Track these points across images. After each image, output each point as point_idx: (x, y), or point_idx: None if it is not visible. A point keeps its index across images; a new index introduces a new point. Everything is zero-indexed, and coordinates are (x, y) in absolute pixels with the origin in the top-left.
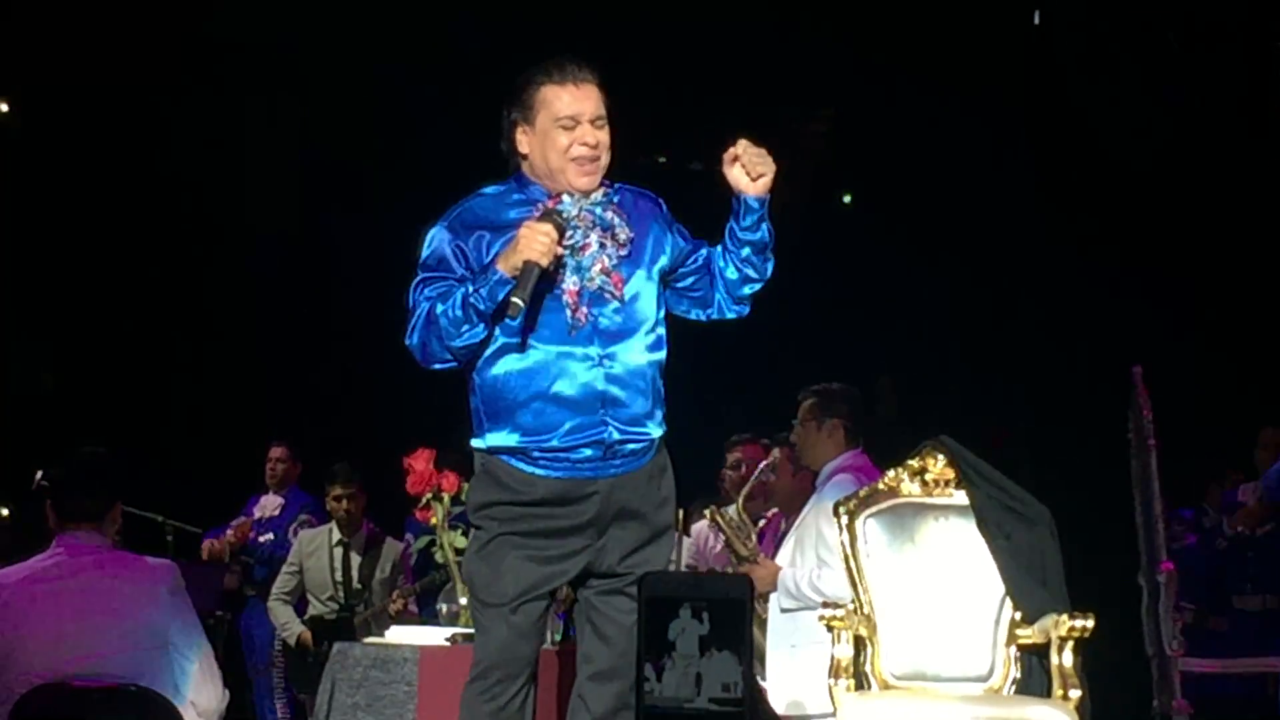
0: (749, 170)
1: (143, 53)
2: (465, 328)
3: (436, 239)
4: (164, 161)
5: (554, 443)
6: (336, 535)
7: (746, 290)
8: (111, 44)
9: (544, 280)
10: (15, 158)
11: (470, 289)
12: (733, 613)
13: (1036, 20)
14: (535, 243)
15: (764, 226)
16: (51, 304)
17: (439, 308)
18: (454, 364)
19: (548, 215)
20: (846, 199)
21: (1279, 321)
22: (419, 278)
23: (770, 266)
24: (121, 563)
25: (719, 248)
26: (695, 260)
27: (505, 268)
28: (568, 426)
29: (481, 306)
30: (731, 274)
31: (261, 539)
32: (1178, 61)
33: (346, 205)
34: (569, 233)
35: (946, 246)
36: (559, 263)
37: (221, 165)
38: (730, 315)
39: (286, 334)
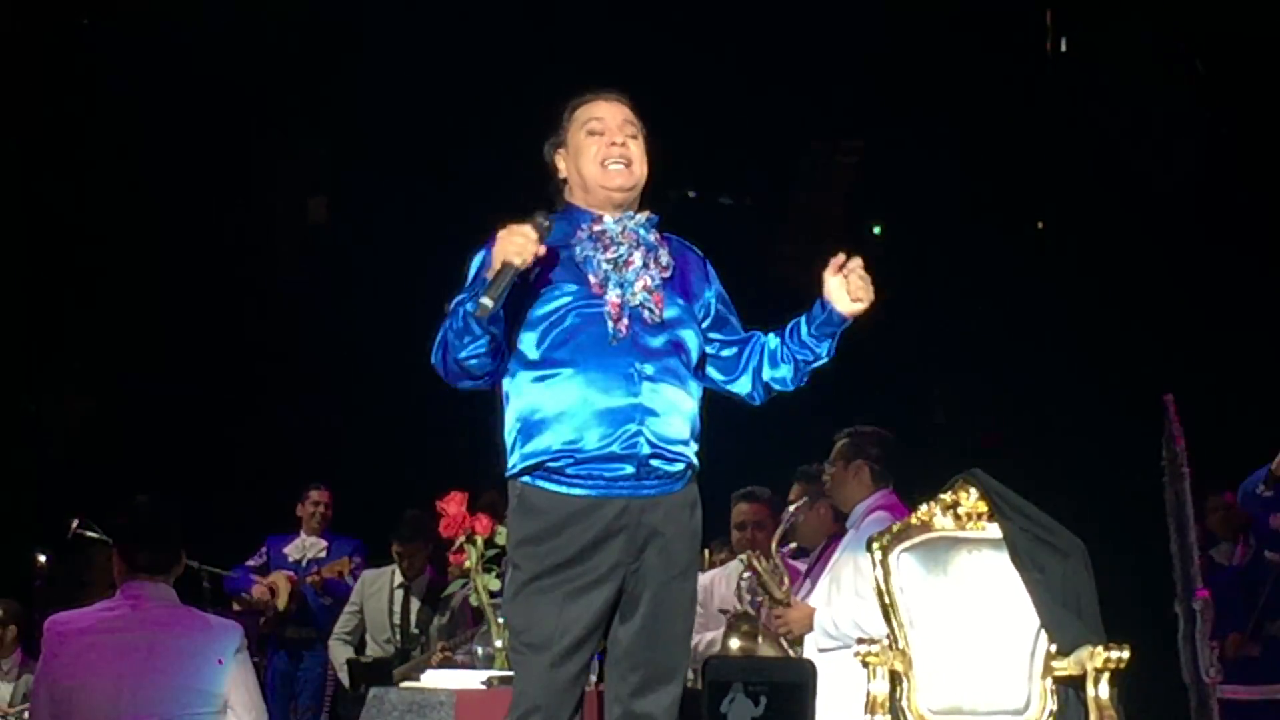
0: (851, 289)
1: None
2: (466, 339)
3: (476, 261)
4: (192, 205)
5: (587, 451)
6: (399, 578)
7: (775, 386)
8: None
9: (584, 297)
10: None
11: (467, 296)
12: (792, 697)
13: (1064, 48)
14: (510, 243)
15: (831, 344)
16: (83, 352)
17: (450, 325)
18: (478, 383)
19: (530, 218)
20: (877, 230)
21: None
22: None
23: (804, 382)
24: (189, 621)
25: (775, 336)
26: (728, 331)
27: (489, 273)
28: (603, 434)
29: (471, 309)
30: (775, 360)
31: (310, 580)
32: (1203, 85)
33: (375, 246)
34: (614, 247)
35: (976, 277)
36: (626, 259)
37: (250, 208)
38: (740, 395)
39: (312, 375)
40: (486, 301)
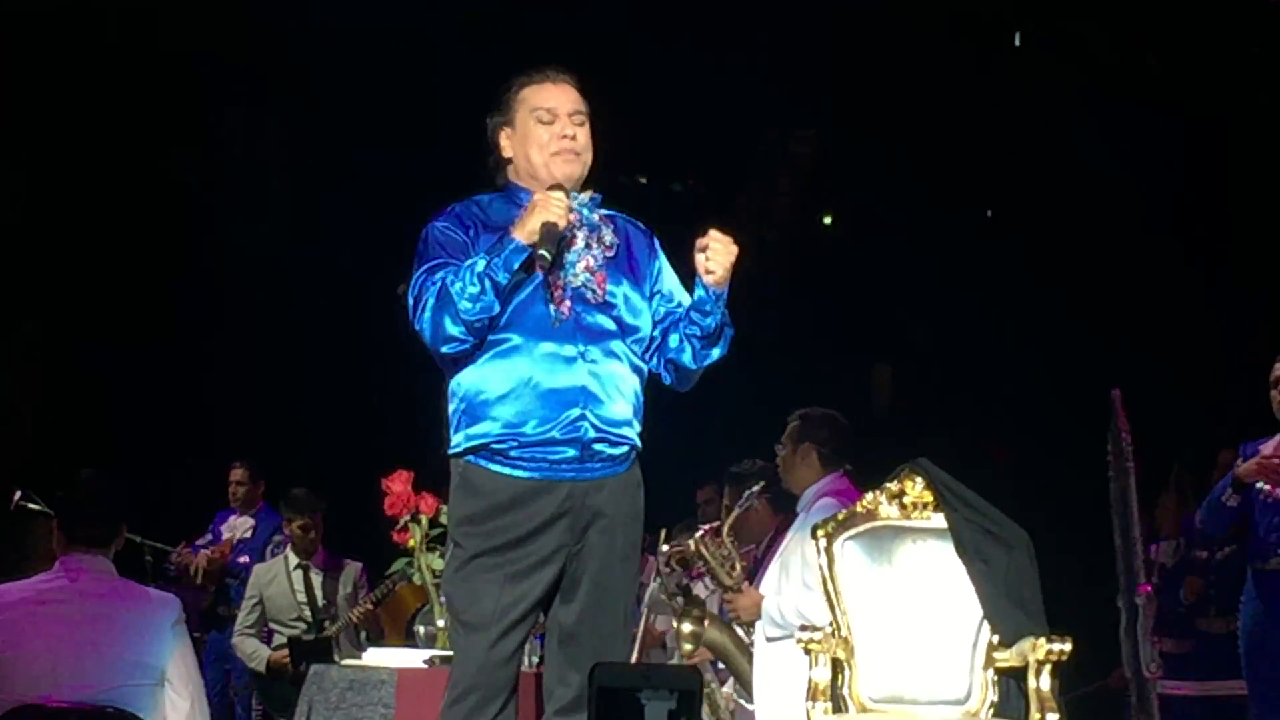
0: (702, 264)
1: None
2: (483, 299)
3: (436, 230)
4: (145, 184)
5: (531, 435)
6: (294, 560)
7: (680, 363)
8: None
9: (531, 269)
10: None
11: (485, 261)
12: (682, 705)
13: (1017, 42)
14: (551, 205)
15: (710, 319)
16: (17, 321)
17: (452, 283)
18: (464, 345)
19: (555, 186)
20: (828, 220)
21: (1253, 343)
22: (423, 266)
23: (710, 357)
24: (127, 593)
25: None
26: (670, 309)
27: (521, 235)
28: (545, 417)
29: (498, 276)
30: (674, 341)
31: (240, 560)
32: (1156, 82)
33: (325, 231)
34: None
35: (926, 268)
36: (568, 239)
37: (202, 188)
38: (659, 373)
39: (261, 352)
40: (545, 253)
